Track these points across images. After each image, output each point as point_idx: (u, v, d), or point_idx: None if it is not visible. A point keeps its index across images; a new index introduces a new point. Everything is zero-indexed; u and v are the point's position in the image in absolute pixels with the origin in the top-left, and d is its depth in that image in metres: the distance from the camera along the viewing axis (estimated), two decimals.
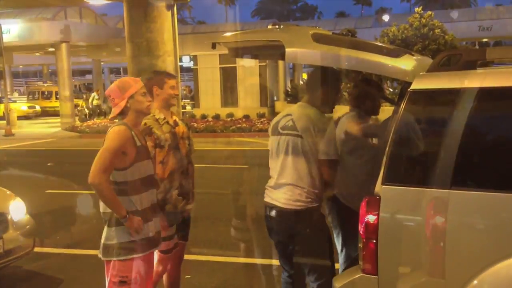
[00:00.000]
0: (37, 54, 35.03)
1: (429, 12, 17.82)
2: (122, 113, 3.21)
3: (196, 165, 3.97)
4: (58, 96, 26.90)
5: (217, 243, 6.13)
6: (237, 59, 15.95)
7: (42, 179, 11.24)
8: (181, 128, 3.84)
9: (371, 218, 2.67)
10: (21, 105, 31.70)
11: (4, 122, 21.70)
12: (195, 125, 19.04)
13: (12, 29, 24.94)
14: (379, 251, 2.66)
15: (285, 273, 3.67)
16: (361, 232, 2.71)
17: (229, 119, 21.04)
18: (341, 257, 3.92)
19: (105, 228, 3.20)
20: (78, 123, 23.49)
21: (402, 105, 2.73)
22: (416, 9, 18.43)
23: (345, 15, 65.06)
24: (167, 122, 3.73)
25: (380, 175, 2.70)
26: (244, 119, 20.46)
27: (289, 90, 24.59)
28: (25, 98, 35.28)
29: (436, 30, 16.95)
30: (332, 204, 3.86)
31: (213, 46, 3.49)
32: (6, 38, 22.75)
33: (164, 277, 3.98)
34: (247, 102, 22.22)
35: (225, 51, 3.60)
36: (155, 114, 3.69)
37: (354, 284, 2.77)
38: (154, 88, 3.71)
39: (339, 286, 2.83)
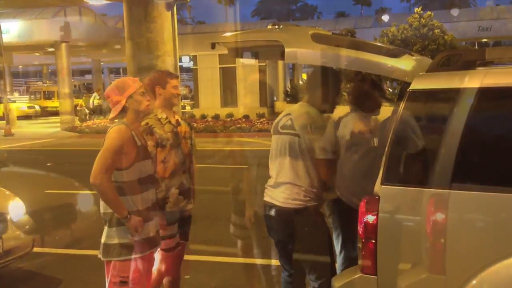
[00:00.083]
0: (37, 54, 35.05)
1: (429, 12, 17.86)
2: (122, 113, 3.21)
3: (196, 165, 3.96)
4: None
5: (217, 243, 6.12)
6: (236, 59, 15.95)
7: (42, 179, 11.21)
8: (183, 127, 3.84)
9: (370, 218, 2.67)
10: (21, 105, 31.73)
11: (4, 122, 21.69)
12: (195, 125, 18.97)
13: (11, 28, 24.96)
14: (378, 251, 2.66)
15: (285, 272, 3.67)
16: (360, 232, 2.71)
17: (228, 119, 21.04)
18: (339, 259, 3.91)
19: (106, 228, 3.20)
20: (77, 123, 23.49)
21: (402, 105, 2.73)
22: (416, 9, 18.48)
23: (344, 15, 64.94)
24: (169, 122, 3.73)
25: (379, 175, 2.70)
26: (243, 119, 20.45)
27: (289, 90, 24.59)
28: (27, 98, 35.40)
29: (436, 30, 16.99)
30: (334, 206, 3.85)
31: (213, 46, 3.49)
32: (6, 38, 22.79)
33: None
34: (247, 102, 22.21)
35: (225, 51, 3.60)
36: (157, 114, 3.69)
37: (353, 284, 2.77)
38: (156, 87, 3.71)
39: (338, 286, 2.83)
